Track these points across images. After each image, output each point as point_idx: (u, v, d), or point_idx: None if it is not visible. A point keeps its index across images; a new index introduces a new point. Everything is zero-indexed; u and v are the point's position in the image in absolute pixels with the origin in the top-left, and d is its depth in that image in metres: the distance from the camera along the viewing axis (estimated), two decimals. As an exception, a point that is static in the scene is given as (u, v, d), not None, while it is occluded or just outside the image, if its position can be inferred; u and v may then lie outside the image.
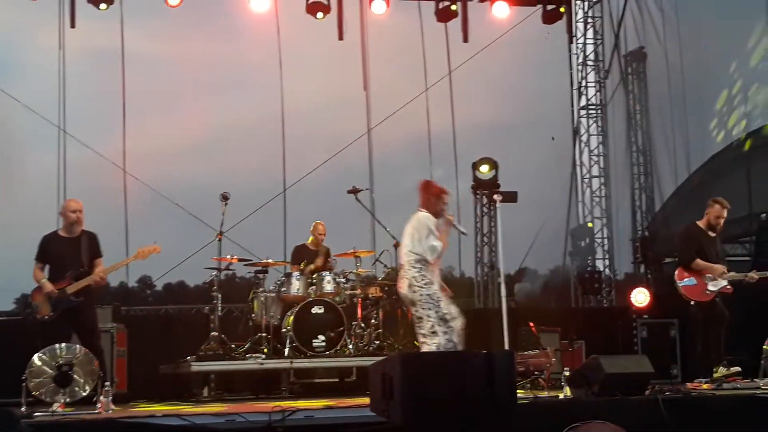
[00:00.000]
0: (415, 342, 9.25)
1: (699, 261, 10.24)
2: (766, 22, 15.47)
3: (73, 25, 15.20)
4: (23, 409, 7.80)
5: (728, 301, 10.28)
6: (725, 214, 10.43)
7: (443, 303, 8.76)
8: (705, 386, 9.48)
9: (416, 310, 8.73)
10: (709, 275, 10.18)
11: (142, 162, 15.60)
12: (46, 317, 9.28)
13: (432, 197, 8.98)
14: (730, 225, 14.63)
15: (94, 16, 15.05)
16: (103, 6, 14.85)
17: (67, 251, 9.45)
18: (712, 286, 10.15)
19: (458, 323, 8.78)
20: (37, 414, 7.48)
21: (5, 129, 14.47)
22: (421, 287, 8.69)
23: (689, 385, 9.67)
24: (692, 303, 10.25)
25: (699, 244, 10.41)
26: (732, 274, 10.21)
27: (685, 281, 10.26)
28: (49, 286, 9.29)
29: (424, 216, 8.88)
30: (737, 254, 16.02)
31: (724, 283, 10.18)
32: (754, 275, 10.26)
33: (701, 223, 10.46)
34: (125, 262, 9.98)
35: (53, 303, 9.28)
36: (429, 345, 8.61)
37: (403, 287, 8.84)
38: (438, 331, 8.61)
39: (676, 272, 10.36)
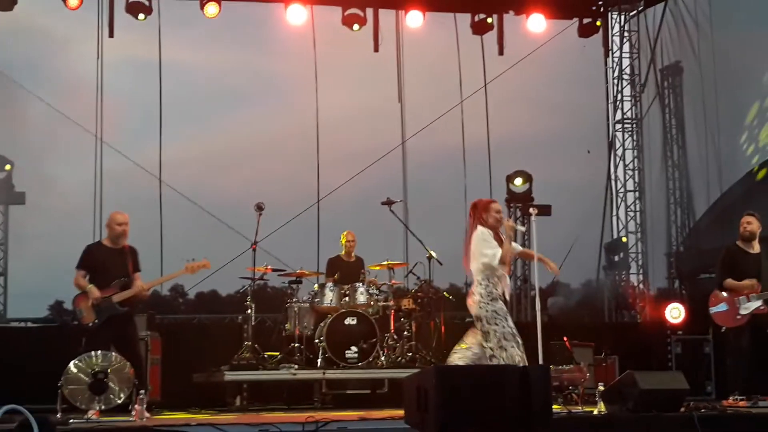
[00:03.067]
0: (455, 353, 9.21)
1: (729, 281, 10.07)
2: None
3: (111, 35, 15.35)
4: (59, 415, 7.86)
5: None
6: (748, 220, 10.24)
7: (509, 319, 8.81)
8: (741, 404, 9.38)
9: (482, 326, 8.76)
10: (743, 297, 10.00)
11: (178, 172, 15.71)
12: (90, 324, 9.36)
13: (483, 213, 9.04)
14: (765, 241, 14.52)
15: (132, 27, 15.20)
16: (141, 16, 15.03)
17: (113, 262, 9.57)
18: (743, 310, 9.95)
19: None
20: (72, 421, 7.54)
21: (43, 137, 14.61)
22: (487, 303, 8.75)
23: (725, 402, 9.57)
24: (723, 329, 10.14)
25: (734, 263, 10.23)
26: (765, 293, 9.88)
27: (717, 308, 10.10)
28: (96, 293, 9.38)
29: (477, 231, 8.95)
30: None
31: (757, 303, 9.87)
32: None
33: (739, 242, 10.32)
34: (173, 276, 10.07)
35: (98, 311, 9.36)
36: (497, 358, 8.62)
37: (472, 304, 8.89)
38: (505, 345, 8.63)
39: (711, 297, 10.23)
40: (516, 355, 8.61)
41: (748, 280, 10.00)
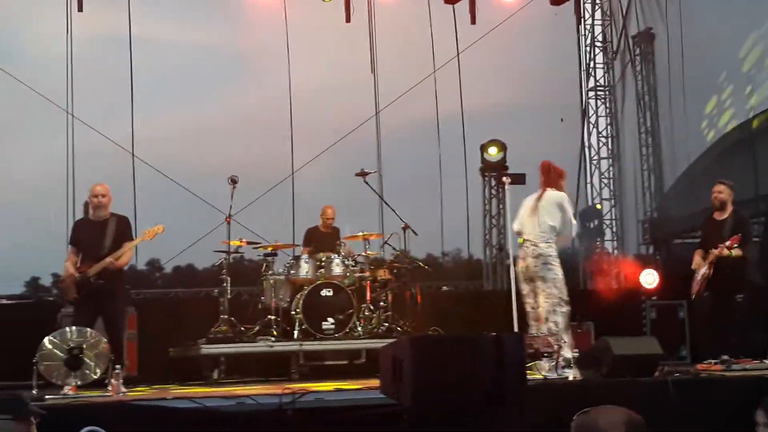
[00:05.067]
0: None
1: (695, 252, 10.23)
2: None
3: (80, 9, 15.20)
4: (34, 392, 7.83)
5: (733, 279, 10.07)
6: (719, 189, 10.28)
7: (564, 282, 9.25)
8: (715, 368, 9.46)
9: (547, 287, 9.09)
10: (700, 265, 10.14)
11: (151, 146, 15.61)
12: (72, 300, 9.36)
13: (557, 177, 9.27)
14: (738, 207, 14.60)
15: (101, 0, 15.05)
16: (111, -10, 14.90)
17: (90, 235, 9.50)
18: (698, 276, 10.10)
19: None
20: (47, 397, 7.52)
21: (12, 113, 14.50)
22: (556, 266, 9.16)
23: (699, 366, 9.64)
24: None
25: (703, 231, 10.40)
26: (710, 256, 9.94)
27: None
28: (70, 269, 9.35)
29: (560, 194, 9.13)
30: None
31: (704, 269, 10.00)
32: (724, 247, 9.84)
33: (714, 211, 10.39)
34: (133, 243, 9.97)
35: (78, 287, 9.33)
36: (560, 315, 9.12)
37: (533, 263, 9.13)
38: (563, 304, 9.14)
39: None
40: (567, 316, 9.08)
41: (697, 252, 10.12)
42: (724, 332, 9.88)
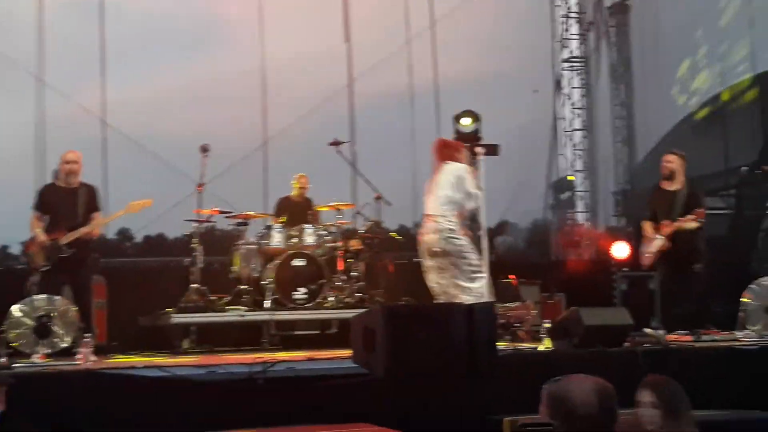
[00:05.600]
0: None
1: (644, 223, 10.21)
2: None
3: (51, -26, 15.02)
4: (2, 359, 7.76)
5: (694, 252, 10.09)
6: (668, 159, 10.27)
7: (473, 253, 8.99)
8: (684, 338, 9.53)
9: (452, 260, 8.83)
10: (650, 238, 10.13)
11: (122, 113, 15.44)
12: (40, 268, 9.23)
13: (456, 152, 9.11)
14: (709, 179, 14.64)
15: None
16: (81, -46, 14.69)
17: (62, 202, 9.41)
18: (644, 248, 10.10)
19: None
20: (16, 365, 7.46)
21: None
22: (458, 237, 8.87)
23: (668, 337, 9.70)
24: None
25: (652, 202, 10.40)
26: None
27: (642, 247, 10.29)
28: (41, 236, 9.25)
29: (458, 166, 8.99)
30: (717, 207, 16.07)
31: (659, 242, 10.02)
32: (690, 221, 9.90)
33: (662, 181, 10.34)
34: (117, 215, 9.94)
35: (47, 254, 9.23)
36: (471, 292, 8.75)
37: (433, 238, 8.91)
38: (475, 277, 8.78)
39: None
40: (484, 287, 8.72)
41: (647, 224, 10.10)
42: (683, 304, 9.92)
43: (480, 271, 8.96)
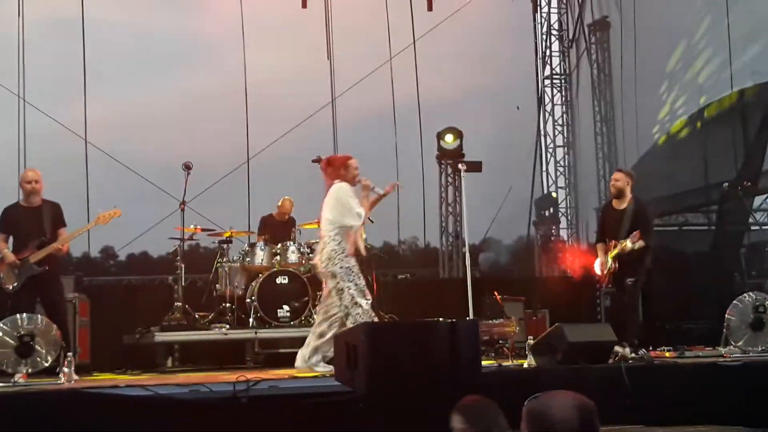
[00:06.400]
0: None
1: (597, 245, 10.24)
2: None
3: (33, -9, 14.99)
4: (-16, 380, 7.73)
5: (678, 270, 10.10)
6: (616, 177, 10.24)
7: (360, 276, 8.77)
8: (668, 354, 9.55)
9: (336, 283, 8.67)
10: (602, 257, 10.12)
11: (104, 131, 15.40)
12: (11, 288, 9.17)
13: (340, 169, 8.92)
14: (690, 195, 14.68)
15: (53, -17, 14.85)
16: (62, -27, 14.68)
17: (28, 222, 9.34)
18: (604, 270, 10.12)
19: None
20: (-3, 385, 7.43)
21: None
22: (342, 260, 8.67)
23: (652, 353, 9.73)
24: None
25: (602, 221, 10.43)
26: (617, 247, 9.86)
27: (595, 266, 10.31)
28: (10, 257, 9.19)
29: (340, 186, 8.82)
30: (699, 223, 16.15)
31: (609, 264, 9.92)
32: (627, 243, 9.75)
33: (613, 199, 10.31)
34: (86, 228, 9.87)
35: (17, 274, 9.17)
36: (353, 316, 8.52)
37: (320, 260, 8.79)
38: (360, 302, 8.59)
39: None
40: (368, 311, 8.61)
41: (601, 245, 10.14)
42: (630, 320, 9.85)
43: (363, 295, 8.70)
